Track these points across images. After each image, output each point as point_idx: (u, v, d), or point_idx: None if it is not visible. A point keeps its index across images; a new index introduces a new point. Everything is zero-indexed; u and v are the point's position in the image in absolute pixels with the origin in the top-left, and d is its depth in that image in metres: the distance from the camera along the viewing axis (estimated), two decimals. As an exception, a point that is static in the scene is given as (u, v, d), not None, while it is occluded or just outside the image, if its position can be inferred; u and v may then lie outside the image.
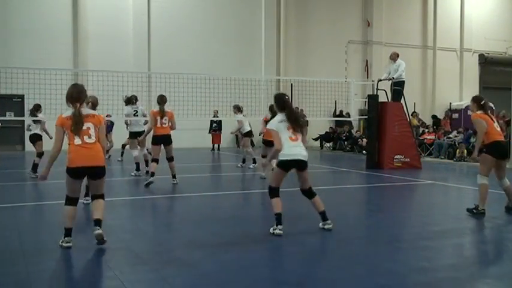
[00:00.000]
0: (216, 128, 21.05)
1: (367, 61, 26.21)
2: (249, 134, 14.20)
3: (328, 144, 22.52)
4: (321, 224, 6.19)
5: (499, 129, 7.26)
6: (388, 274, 4.59)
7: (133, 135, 11.96)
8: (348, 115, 21.75)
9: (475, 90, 28.86)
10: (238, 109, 14.36)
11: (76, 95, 5.24)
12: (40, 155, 11.31)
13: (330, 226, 6.10)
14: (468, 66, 28.66)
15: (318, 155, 19.52)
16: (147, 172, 10.98)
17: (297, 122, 5.95)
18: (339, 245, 5.72)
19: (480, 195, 7.15)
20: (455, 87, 28.20)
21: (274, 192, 5.95)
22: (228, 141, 22.95)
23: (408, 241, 5.95)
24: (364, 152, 17.41)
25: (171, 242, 5.79)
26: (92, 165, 5.19)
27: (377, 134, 13.81)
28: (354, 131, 22.21)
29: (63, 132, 5.20)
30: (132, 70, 18.53)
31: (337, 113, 23.82)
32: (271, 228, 5.95)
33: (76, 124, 5.12)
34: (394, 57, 14.32)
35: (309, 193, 6.09)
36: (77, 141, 5.14)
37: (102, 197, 5.40)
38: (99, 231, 5.22)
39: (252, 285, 4.31)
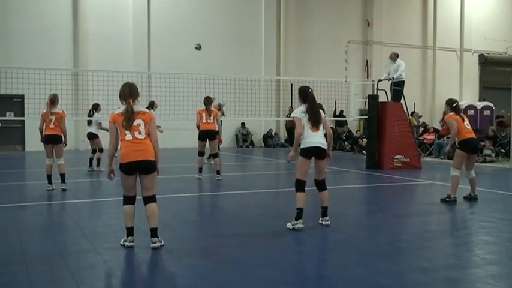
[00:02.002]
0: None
1: (367, 61, 26.22)
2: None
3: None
4: (320, 220, 6.42)
5: (469, 127, 8.21)
6: (388, 274, 4.59)
7: None
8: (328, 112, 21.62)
9: (475, 90, 28.94)
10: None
11: (128, 92, 5.44)
12: (95, 151, 12.79)
13: (328, 223, 6.36)
14: (468, 66, 28.67)
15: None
16: None
17: (315, 115, 6.27)
18: (339, 245, 5.74)
19: (452, 185, 8.07)
20: (455, 87, 28.19)
21: (300, 186, 6.25)
22: (229, 142, 22.98)
23: (408, 241, 5.94)
24: (364, 151, 17.41)
25: (171, 242, 5.78)
26: (142, 159, 5.26)
27: (377, 134, 13.83)
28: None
29: (115, 128, 5.34)
30: (132, 70, 18.53)
31: (337, 113, 23.82)
32: (290, 224, 6.18)
33: (128, 120, 5.26)
34: (394, 57, 14.33)
35: (320, 185, 6.40)
36: (128, 136, 5.27)
37: (153, 199, 5.42)
38: (155, 244, 5.28)
39: (251, 284, 4.31)
